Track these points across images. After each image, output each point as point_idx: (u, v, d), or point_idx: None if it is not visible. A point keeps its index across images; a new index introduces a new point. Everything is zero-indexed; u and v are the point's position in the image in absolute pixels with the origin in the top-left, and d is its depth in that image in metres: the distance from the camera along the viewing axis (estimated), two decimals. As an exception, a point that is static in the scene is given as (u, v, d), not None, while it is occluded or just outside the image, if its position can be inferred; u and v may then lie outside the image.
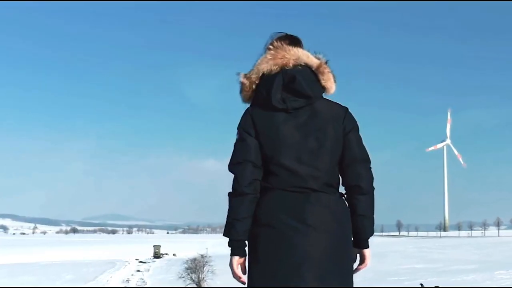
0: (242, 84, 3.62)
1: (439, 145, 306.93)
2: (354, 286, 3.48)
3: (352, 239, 3.53)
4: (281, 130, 3.45)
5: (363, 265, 3.63)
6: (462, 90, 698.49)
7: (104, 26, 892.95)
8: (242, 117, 3.57)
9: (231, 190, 3.46)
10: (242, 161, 3.44)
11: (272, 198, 3.41)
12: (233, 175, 3.47)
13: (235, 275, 3.48)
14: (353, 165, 3.51)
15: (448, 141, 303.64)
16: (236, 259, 3.46)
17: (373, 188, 3.55)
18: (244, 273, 3.48)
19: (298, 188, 3.40)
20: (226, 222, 3.46)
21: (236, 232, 3.41)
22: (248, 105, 3.63)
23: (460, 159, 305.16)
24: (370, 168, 3.57)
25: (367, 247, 3.61)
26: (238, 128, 3.55)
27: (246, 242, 3.47)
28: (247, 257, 3.47)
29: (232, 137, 3.55)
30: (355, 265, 3.58)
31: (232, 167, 3.49)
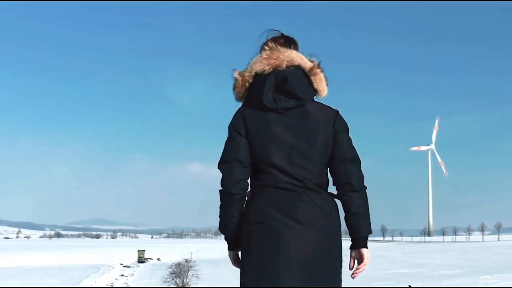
0: (235, 80, 3.65)
1: (423, 148, 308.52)
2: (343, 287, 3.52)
3: (350, 240, 3.55)
4: (272, 130, 3.49)
5: (362, 265, 3.56)
6: (448, 95, 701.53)
7: (87, 30, 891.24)
8: (233, 116, 3.60)
9: (220, 189, 3.52)
10: (230, 160, 3.48)
11: (264, 195, 3.45)
12: (221, 174, 3.51)
13: (235, 265, 3.68)
14: (343, 163, 3.53)
15: (432, 146, 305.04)
16: (232, 253, 3.64)
17: (365, 187, 3.56)
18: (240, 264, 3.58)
19: (289, 186, 3.43)
20: (219, 219, 3.55)
21: (228, 230, 3.53)
22: (240, 104, 3.66)
23: (443, 167, 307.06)
24: (360, 167, 3.58)
25: (365, 246, 3.56)
26: (229, 127, 3.58)
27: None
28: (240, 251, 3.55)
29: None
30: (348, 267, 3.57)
31: (220, 166, 3.53)
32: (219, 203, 3.53)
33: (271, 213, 3.39)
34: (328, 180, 3.58)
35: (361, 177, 3.55)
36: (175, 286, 56.35)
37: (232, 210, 3.49)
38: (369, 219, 3.55)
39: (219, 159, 3.54)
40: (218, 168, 3.53)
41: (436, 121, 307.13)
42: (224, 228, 3.54)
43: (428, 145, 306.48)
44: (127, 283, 65.88)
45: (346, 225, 3.54)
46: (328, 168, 3.59)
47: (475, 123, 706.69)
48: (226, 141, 3.56)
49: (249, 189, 3.55)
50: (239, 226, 3.49)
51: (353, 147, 3.60)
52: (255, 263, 3.38)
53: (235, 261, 3.64)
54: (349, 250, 3.56)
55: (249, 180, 3.57)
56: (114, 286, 59.04)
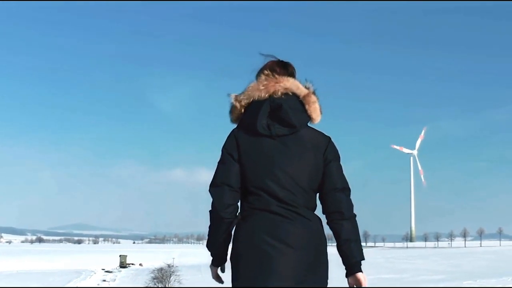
0: (233, 106, 3.74)
1: (405, 150, 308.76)
2: None
3: (345, 269, 3.63)
4: (264, 155, 3.58)
5: None
6: (430, 101, 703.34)
7: (70, 36, 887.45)
8: (227, 138, 3.69)
9: (210, 209, 3.60)
10: (221, 185, 3.57)
11: (254, 219, 3.53)
12: (211, 197, 3.61)
13: (215, 279, 3.83)
14: (333, 192, 3.63)
15: (415, 151, 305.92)
16: (214, 269, 3.78)
17: (355, 215, 3.65)
18: (220, 279, 3.83)
19: (279, 210, 3.51)
20: (207, 236, 3.67)
21: (214, 249, 3.69)
22: (234, 125, 3.75)
23: (422, 176, 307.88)
24: (350, 196, 3.68)
25: (360, 270, 3.62)
26: (222, 150, 3.68)
27: (225, 255, 3.71)
28: (230, 270, 3.63)
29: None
30: None
31: (211, 189, 3.62)
32: (209, 222, 3.60)
33: (261, 236, 3.46)
34: (316, 205, 3.67)
35: (351, 206, 3.65)
36: (160, 286, 56.38)
37: (220, 232, 3.60)
38: (361, 245, 3.64)
39: (211, 180, 3.63)
40: (209, 191, 3.62)
41: (423, 131, 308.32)
42: (211, 246, 3.70)
43: (410, 150, 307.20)
44: (109, 288, 65.69)
45: (339, 253, 3.63)
46: (318, 196, 3.68)
47: (458, 129, 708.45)
48: (218, 163, 3.65)
49: (238, 211, 3.62)
50: (226, 247, 3.66)
51: (343, 176, 3.70)
52: (245, 285, 3.47)
53: (216, 277, 3.80)
54: (346, 279, 3.61)
55: (239, 203, 3.64)
56: (101, 286, 58.89)
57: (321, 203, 3.67)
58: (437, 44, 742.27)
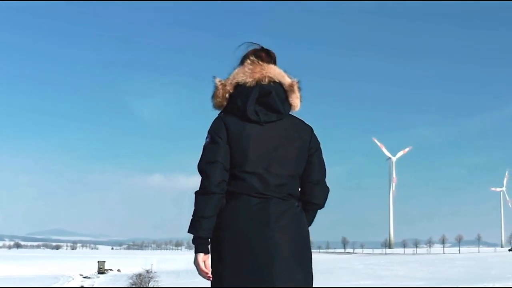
0: (216, 89, 3.78)
1: (385, 150, 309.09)
2: None
3: None
4: (252, 140, 3.64)
5: None
6: (407, 108, 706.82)
7: (46, 41, 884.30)
8: (214, 122, 3.72)
9: (199, 189, 3.58)
10: (214, 161, 3.57)
11: (238, 202, 3.59)
12: (202, 175, 3.59)
13: (201, 272, 3.60)
14: (310, 184, 3.81)
15: (393, 158, 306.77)
16: (201, 256, 3.58)
17: (324, 203, 3.92)
18: (209, 269, 3.61)
19: (263, 195, 3.59)
20: (192, 219, 3.57)
21: (202, 229, 3.54)
22: (217, 112, 3.80)
23: (393, 184, 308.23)
24: (326, 183, 3.91)
25: None
26: (210, 132, 3.69)
27: (209, 240, 3.63)
28: (210, 259, 3.62)
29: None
30: None
31: (203, 166, 3.60)
32: (194, 204, 3.56)
33: (244, 219, 3.54)
34: (299, 189, 3.80)
35: (326, 196, 3.90)
36: (141, 286, 56.49)
37: (210, 209, 3.53)
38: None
39: (199, 161, 3.63)
40: (200, 169, 3.61)
41: (376, 140, 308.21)
42: (198, 227, 3.54)
43: (390, 154, 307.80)
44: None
45: None
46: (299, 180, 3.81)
47: (434, 136, 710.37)
48: (206, 144, 3.66)
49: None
50: (213, 227, 3.58)
51: (323, 165, 3.91)
52: (233, 274, 3.51)
53: (205, 266, 3.60)
54: None
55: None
56: (84, 286, 58.77)
57: (300, 190, 3.81)
58: (418, 52, 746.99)
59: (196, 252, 3.58)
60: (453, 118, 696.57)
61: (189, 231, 3.57)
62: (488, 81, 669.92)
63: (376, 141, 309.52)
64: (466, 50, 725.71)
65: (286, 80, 3.77)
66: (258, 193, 3.58)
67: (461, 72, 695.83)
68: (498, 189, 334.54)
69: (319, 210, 3.92)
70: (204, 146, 3.66)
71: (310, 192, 3.80)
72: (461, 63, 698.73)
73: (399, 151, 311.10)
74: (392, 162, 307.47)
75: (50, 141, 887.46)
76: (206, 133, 3.70)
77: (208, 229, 3.54)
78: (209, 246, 3.62)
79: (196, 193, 3.58)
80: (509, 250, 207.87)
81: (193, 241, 3.57)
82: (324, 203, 3.89)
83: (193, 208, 3.57)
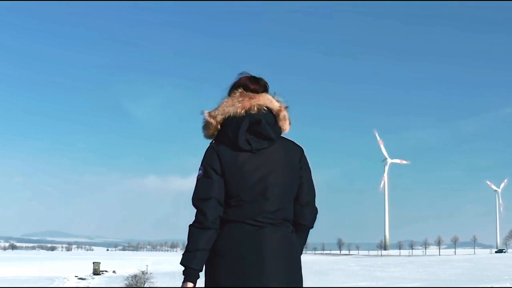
0: (207, 123, 3.80)
1: (383, 148, 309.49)
2: None
3: None
4: (245, 169, 3.67)
5: None
6: (401, 110, 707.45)
7: (42, 42, 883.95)
8: (206, 153, 3.76)
9: (194, 223, 3.63)
10: (208, 198, 3.62)
11: (232, 230, 3.63)
12: (197, 210, 3.64)
13: None
14: (299, 206, 3.84)
15: (389, 160, 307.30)
16: (190, 285, 3.60)
17: (314, 221, 3.95)
18: None
19: (257, 222, 3.62)
20: (186, 251, 3.62)
21: (196, 262, 3.59)
22: (209, 141, 3.84)
23: (382, 183, 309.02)
24: (315, 204, 3.95)
25: None
26: (203, 164, 3.73)
27: (201, 269, 3.65)
28: (204, 285, 3.67)
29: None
30: None
31: (197, 202, 3.65)
32: (188, 236, 3.63)
33: (238, 247, 3.58)
34: (293, 215, 3.83)
35: (314, 218, 3.94)
36: (135, 286, 56.52)
37: (205, 242, 3.59)
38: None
39: (192, 195, 3.68)
40: (194, 205, 3.66)
41: (376, 135, 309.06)
42: (193, 260, 3.60)
43: (386, 159, 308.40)
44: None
45: None
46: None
47: (429, 137, 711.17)
48: (200, 177, 3.70)
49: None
50: (205, 259, 3.62)
51: (312, 188, 3.93)
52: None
53: None
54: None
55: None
56: (80, 286, 58.73)
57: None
58: (414, 54, 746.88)
59: (186, 281, 3.61)
60: (449, 120, 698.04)
61: (182, 263, 3.62)
62: (483, 83, 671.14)
63: (377, 135, 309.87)
64: (462, 52, 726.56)
65: (275, 105, 3.81)
66: (252, 220, 3.62)
67: (456, 74, 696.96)
68: (494, 187, 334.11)
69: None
70: (197, 178, 3.71)
71: (300, 213, 3.83)
72: (457, 65, 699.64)
73: (395, 153, 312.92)
74: (387, 164, 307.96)
75: (45, 143, 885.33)
76: (199, 165, 3.75)
77: (202, 262, 3.60)
78: (202, 273, 3.67)
79: (190, 226, 3.65)
80: (496, 252, 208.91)
81: (184, 271, 3.61)
82: (313, 224, 3.94)
83: (187, 240, 3.63)
